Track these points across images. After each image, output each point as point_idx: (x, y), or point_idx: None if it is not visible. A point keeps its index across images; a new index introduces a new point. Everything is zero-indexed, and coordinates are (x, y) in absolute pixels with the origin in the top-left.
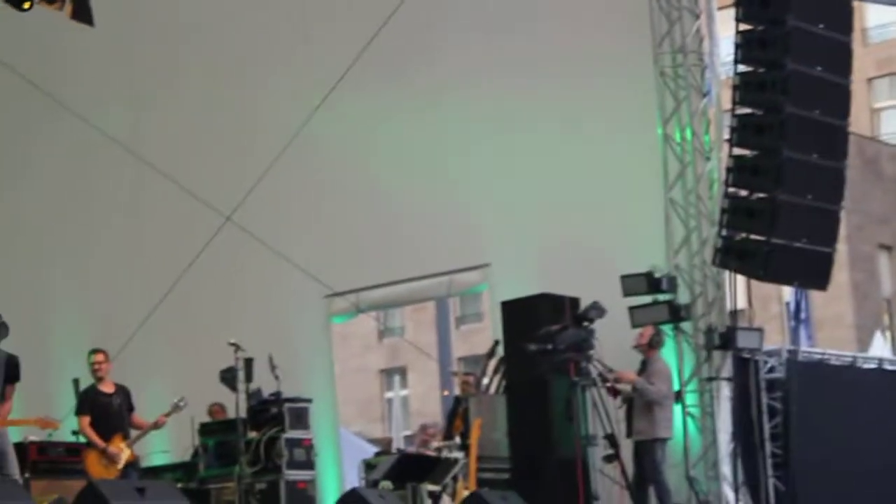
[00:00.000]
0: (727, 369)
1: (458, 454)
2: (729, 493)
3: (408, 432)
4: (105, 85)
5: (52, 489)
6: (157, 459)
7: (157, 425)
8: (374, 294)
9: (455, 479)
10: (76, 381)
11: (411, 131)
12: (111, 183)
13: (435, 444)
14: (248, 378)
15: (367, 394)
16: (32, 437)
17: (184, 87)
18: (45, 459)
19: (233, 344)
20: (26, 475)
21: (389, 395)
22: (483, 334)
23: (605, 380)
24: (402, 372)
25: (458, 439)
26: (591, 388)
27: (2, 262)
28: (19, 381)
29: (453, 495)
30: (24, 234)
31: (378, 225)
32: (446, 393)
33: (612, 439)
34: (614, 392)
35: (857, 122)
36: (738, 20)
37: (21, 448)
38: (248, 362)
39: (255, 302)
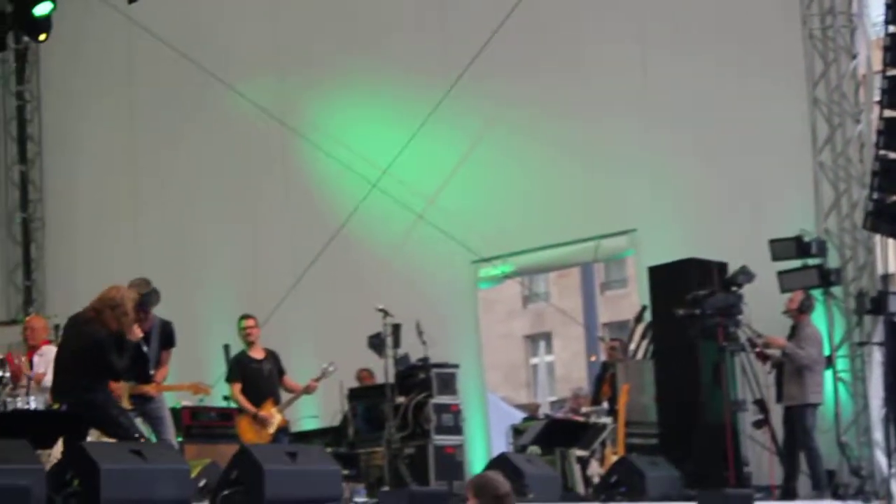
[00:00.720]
0: (878, 334)
1: (607, 419)
2: (881, 458)
3: (553, 398)
4: (253, 55)
5: (205, 453)
6: (307, 424)
7: (307, 390)
8: (520, 260)
9: (603, 444)
10: (226, 347)
11: (556, 97)
12: (260, 150)
13: (583, 409)
14: (396, 344)
15: (512, 360)
16: (186, 402)
17: (328, 56)
18: (197, 424)
19: (381, 310)
20: (179, 439)
21: (534, 360)
22: (627, 300)
23: (753, 345)
24: (547, 338)
25: (606, 405)
26: (740, 353)
27: (154, 229)
28: (174, 347)
29: (602, 460)
30: (174, 202)
31: (525, 191)
32: (594, 358)
33: (761, 404)
34: (763, 357)
35: None
36: None
37: (175, 413)
38: (396, 328)
39: (402, 268)
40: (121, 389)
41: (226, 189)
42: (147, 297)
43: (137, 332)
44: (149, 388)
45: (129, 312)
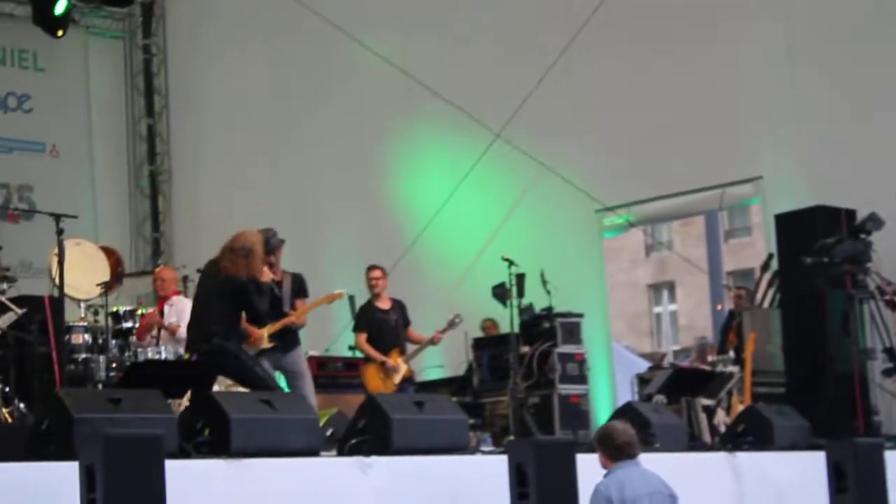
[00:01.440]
0: None
1: (733, 368)
2: None
3: (676, 347)
4: (377, 7)
5: (331, 403)
6: (432, 374)
7: (432, 342)
8: (644, 208)
9: (730, 393)
10: (352, 298)
11: (683, 43)
12: (385, 102)
13: (709, 358)
14: (521, 293)
15: (635, 309)
16: (312, 352)
17: (451, 8)
18: (324, 374)
19: (506, 259)
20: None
21: (658, 309)
22: (752, 248)
23: (883, 292)
24: (671, 286)
25: (732, 353)
26: (869, 301)
27: (279, 180)
28: (307, 297)
29: (728, 410)
30: (299, 153)
31: (649, 138)
32: (720, 307)
33: (891, 353)
34: (893, 305)
35: None
36: None
37: None
38: (520, 277)
39: (526, 217)
40: (261, 338)
41: (352, 138)
42: (272, 241)
43: (268, 274)
44: (289, 318)
45: (259, 255)
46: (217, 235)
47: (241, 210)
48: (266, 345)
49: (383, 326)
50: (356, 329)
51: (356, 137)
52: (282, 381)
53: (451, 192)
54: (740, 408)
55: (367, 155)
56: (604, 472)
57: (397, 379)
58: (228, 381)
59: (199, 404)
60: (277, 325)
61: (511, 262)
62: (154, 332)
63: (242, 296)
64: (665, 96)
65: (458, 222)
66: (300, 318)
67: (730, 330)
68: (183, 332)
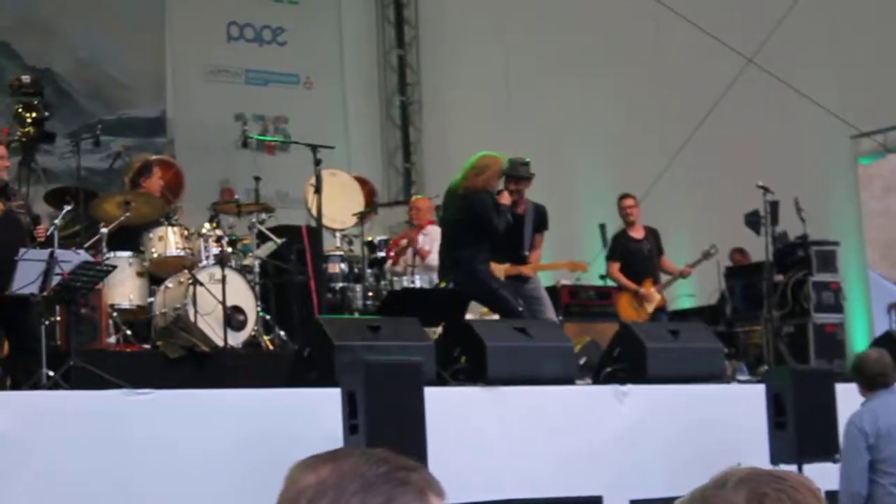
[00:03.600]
0: None
1: None
2: None
3: None
4: None
5: (584, 331)
6: (684, 303)
7: (682, 274)
8: None
9: None
10: (603, 227)
11: None
12: (634, 30)
13: None
14: (774, 221)
15: (890, 237)
16: (564, 281)
17: None
18: (576, 303)
19: (761, 187)
20: (560, 318)
21: None
22: None
23: None
24: None
25: None
26: None
27: (528, 110)
28: (547, 230)
29: None
30: (547, 82)
31: None
32: None
33: None
34: None
35: None
36: None
37: (553, 291)
38: (774, 205)
39: (779, 144)
40: (498, 271)
41: (598, 68)
42: (516, 166)
43: (506, 198)
44: (526, 269)
45: (495, 172)
46: None
47: (492, 140)
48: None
49: (636, 255)
50: (609, 258)
51: (604, 65)
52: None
53: (701, 119)
54: None
55: (615, 81)
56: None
57: (650, 308)
58: (483, 309)
59: (455, 332)
60: (512, 270)
61: (766, 190)
62: (408, 258)
63: (479, 209)
64: None
65: (709, 149)
66: (535, 271)
67: None
68: (434, 258)
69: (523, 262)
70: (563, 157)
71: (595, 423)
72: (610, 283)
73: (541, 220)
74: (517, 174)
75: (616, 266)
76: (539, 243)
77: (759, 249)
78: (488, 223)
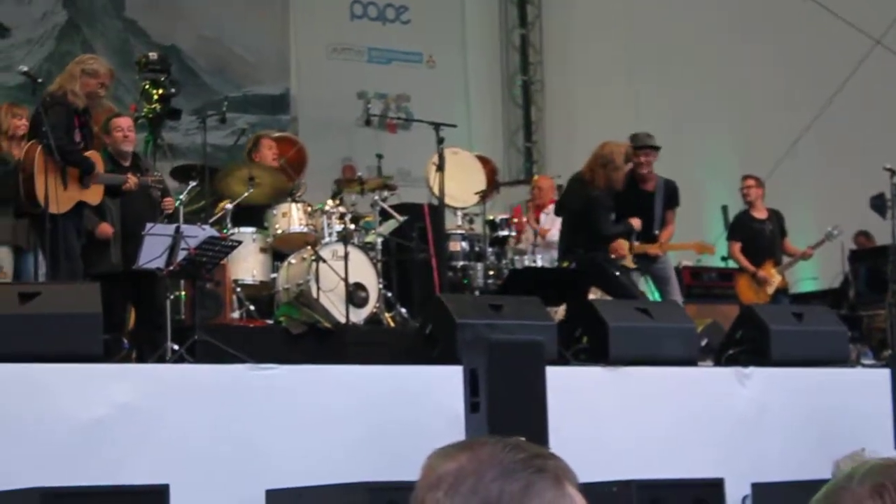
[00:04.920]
0: None
1: None
2: None
3: None
4: None
5: (704, 313)
6: (806, 286)
7: (804, 256)
8: None
9: None
10: (724, 208)
11: None
12: (759, 10)
13: None
14: None
15: None
16: (686, 262)
17: None
18: (698, 284)
19: (888, 169)
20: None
21: None
22: None
23: None
24: None
25: None
26: None
27: (650, 90)
28: (679, 206)
29: None
30: (670, 62)
31: None
32: None
33: None
34: None
35: None
36: None
37: (675, 273)
38: None
39: None
40: (624, 249)
41: (723, 49)
42: (642, 138)
43: (642, 170)
44: (653, 248)
45: (619, 167)
46: (589, 145)
47: (613, 120)
48: (628, 264)
49: (758, 236)
50: (730, 238)
51: (729, 45)
52: (649, 286)
53: (827, 100)
54: None
55: (741, 64)
56: None
57: (770, 290)
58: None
59: (577, 312)
60: (640, 249)
61: (894, 172)
62: (529, 237)
63: (593, 208)
64: None
65: (834, 131)
66: (662, 250)
67: None
68: (554, 235)
69: (653, 241)
70: (686, 138)
71: (716, 406)
72: (732, 265)
73: (671, 196)
74: (644, 144)
75: (737, 246)
76: (671, 220)
77: (884, 233)
78: (594, 223)
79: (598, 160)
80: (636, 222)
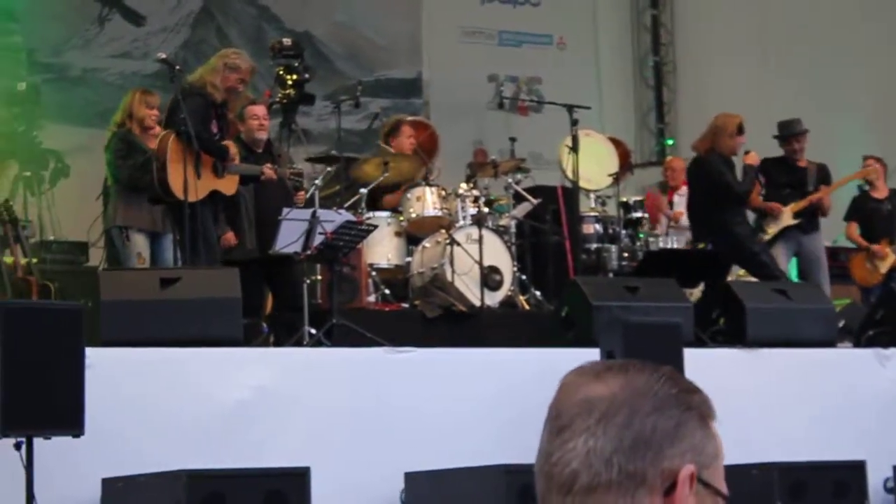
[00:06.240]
0: None
1: None
2: None
3: None
4: None
5: (843, 293)
6: None
7: None
8: None
9: None
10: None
11: None
12: None
13: None
14: None
15: None
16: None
17: None
18: (835, 265)
19: None
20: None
21: None
22: None
23: None
24: None
25: None
26: None
27: (784, 71)
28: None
29: None
30: (804, 42)
31: None
32: None
33: None
34: None
35: None
36: None
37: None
38: None
39: None
40: (780, 207)
41: (860, 28)
42: (790, 124)
43: (752, 158)
44: (815, 196)
45: (728, 132)
46: None
47: (747, 100)
48: (789, 221)
49: (875, 215)
50: (847, 218)
51: (865, 24)
52: (793, 268)
53: None
54: None
55: (877, 41)
56: None
57: (884, 268)
58: (741, 271)
59: (714, 293)
60: (802, 203)
61: None
62: (662, 222)
63: (711, 173)
64: None
65: None
66: (826, 199)
67: None
68: (685, 219)
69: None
70: (822, 120)
71: (855, 387)
72: (850, 244)
73: (824, 178)
74: (792, 130)
75: (853, 226)
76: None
77: None
78: (725, 187)
79: (711, 130)
80: (776, 207)
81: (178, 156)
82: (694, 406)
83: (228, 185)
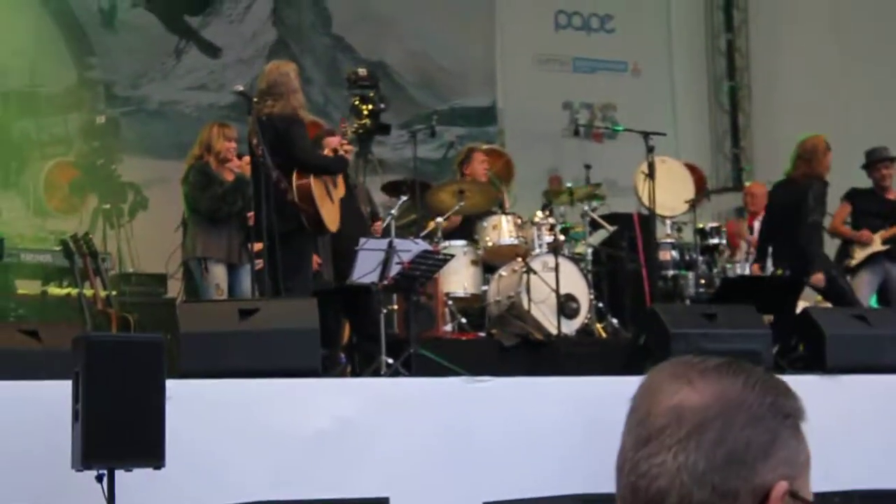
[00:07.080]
0: None
1: None
2: None
3: None
4: None
5: None
6: None
7: None
8: None
9: None
10: None
11: None
12: None
13: None
14: None
15: None
16: None
17: None
18: None
19: None
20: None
21: None
22: None
23: None
24: None
25: None
26: None
27: (863, 94)
28: None
29: None
30: (884, 67)
31: None
32: None
33: None
34: None
35: None
36: None
37: None
38: None
39: None
40: (870, 235)
41: None
42: (878, 151)
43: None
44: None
45: (818, 157)
46: None
47: (823, 125)
48: (878, 247)
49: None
50: None
51: None
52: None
53: None
54: None
55: None
56: None
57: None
58: (818, 297)
59: (793, 319)
60: (892, 230)
61: None
62: (743, 248)
63: (801, 202)
64: None
65: None
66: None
67: None
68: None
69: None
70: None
71: None
72: None
73: None
74: (882, 157)
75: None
76: None
77: None
78: (805, 214)
79: (802, 155)
80: (866, 235)
81: (322, 191)
82: (790, 412)
83: (339, 192)
